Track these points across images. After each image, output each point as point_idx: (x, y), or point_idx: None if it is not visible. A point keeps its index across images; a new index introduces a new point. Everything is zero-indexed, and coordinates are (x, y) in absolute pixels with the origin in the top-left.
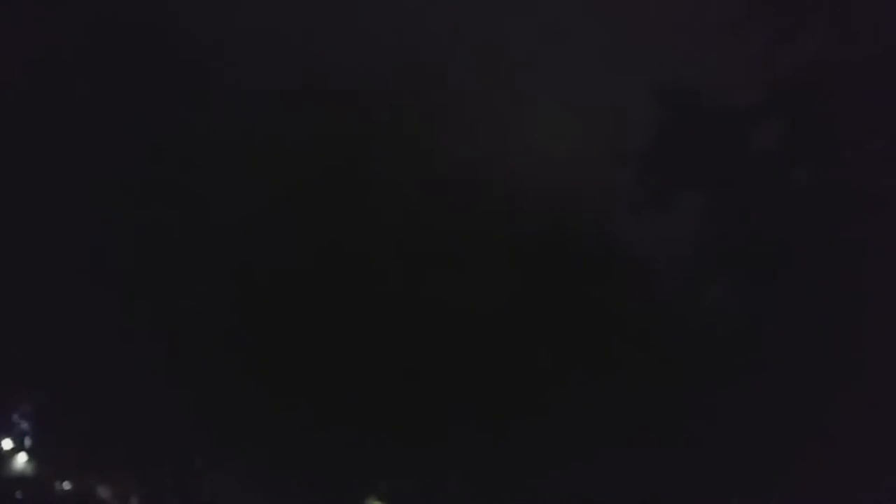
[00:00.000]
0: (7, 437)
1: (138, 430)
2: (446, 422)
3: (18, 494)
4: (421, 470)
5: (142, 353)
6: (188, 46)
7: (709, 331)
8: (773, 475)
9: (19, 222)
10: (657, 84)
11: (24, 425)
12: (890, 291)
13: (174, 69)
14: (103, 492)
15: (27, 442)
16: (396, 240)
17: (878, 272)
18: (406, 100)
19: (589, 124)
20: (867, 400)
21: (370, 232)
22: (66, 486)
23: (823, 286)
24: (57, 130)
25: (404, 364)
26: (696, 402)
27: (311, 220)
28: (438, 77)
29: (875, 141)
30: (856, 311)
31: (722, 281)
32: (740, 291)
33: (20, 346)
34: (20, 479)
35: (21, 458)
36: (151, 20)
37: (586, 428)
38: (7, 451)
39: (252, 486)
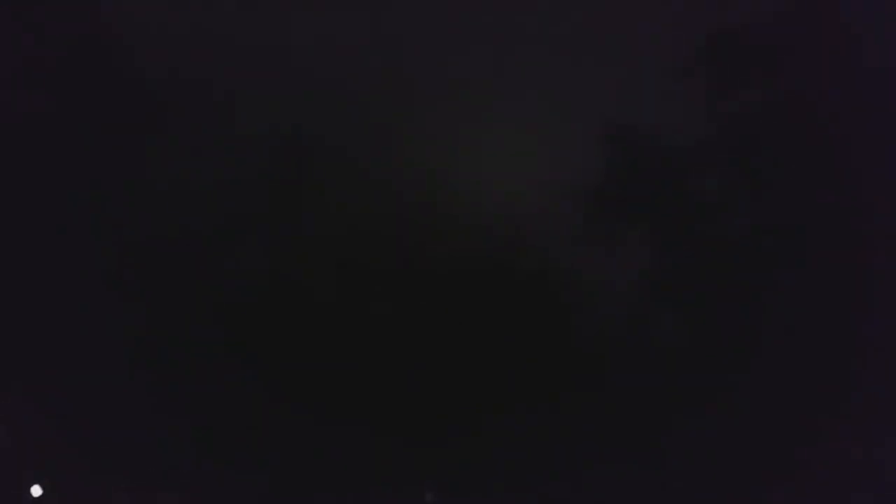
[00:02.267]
0: None
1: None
2: (381, 448)
3: None
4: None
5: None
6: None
7: (651, 364)
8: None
9: None
10: (606, 125)
11: None
12: (828, 324)
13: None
14: None
15: None
16: (342, 262)
17: (817, 309)
18: (356, 126)
19: (538, 162)
20: (812, 430)
21: (320, 252)
22: None
23: (764, 323)
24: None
25: (342, 390)
26: (639, 434)
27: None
28: (388, 108)
29: (814, 182)
30: (798, 346)
31: (665, 315)
32: (682, 326)
33: None
34: None
35: None
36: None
37: (527, 458)
38: None
39: None
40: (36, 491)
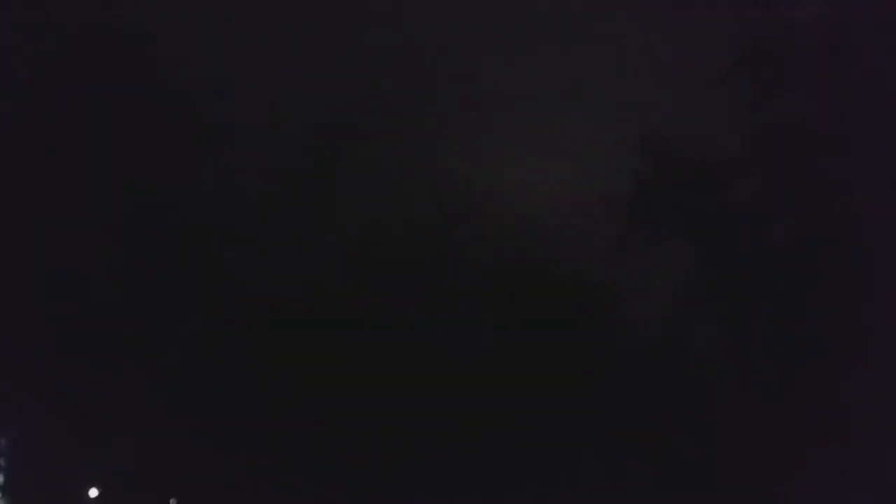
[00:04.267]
0: None
1: (114, 466)
2: (417, 459)
3: None
4: None
5: (118, 389)
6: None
7: (687, 373)
8: None
9: None
10: (643, 136)
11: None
12: (861, 336)
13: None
14: None
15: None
16: (381, 276)
17: (851, 319)
18: (395, 137)
19: (576, 173)
20: (838, 448)
21: (354, 266)
22: None
23: (798, 333)
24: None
25: (377, 403)
26: (673, 442)
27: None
28: (428, 119)
29: (849, 194)
30: (830, 356)
31: (701, 325)
32: (718, 335)
33: None
34: None
35: None
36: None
37: (563, 467)
38: None
39: None
40: (93, 492)
